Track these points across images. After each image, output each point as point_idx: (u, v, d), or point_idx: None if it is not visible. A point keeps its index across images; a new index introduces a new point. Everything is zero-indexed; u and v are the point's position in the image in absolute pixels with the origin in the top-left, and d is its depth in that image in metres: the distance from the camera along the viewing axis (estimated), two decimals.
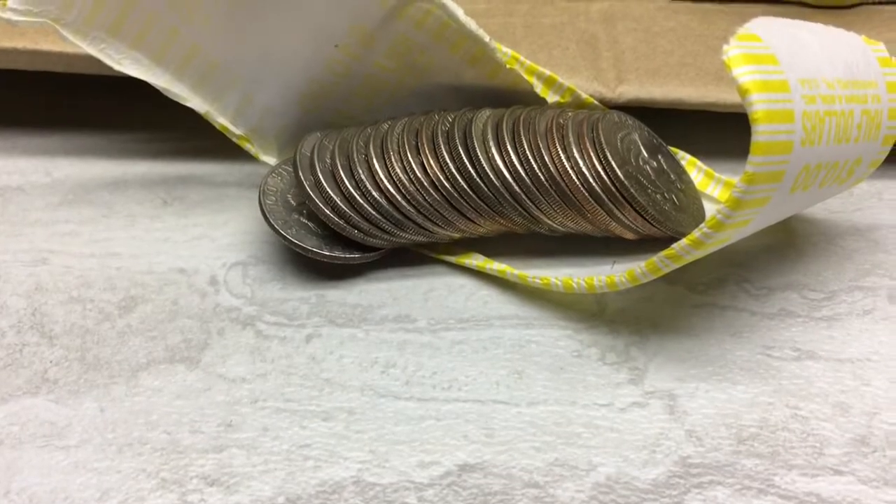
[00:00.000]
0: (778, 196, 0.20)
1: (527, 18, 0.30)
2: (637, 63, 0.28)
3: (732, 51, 0.18)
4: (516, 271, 0.24)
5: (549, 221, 0.24)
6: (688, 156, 0.27)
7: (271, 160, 0.27)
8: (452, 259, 0.25)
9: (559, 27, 0.30)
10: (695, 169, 0.27)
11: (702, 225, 0.20)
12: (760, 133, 0.18)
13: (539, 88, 0.26)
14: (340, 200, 0.24)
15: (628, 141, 0.25)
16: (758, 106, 0.18)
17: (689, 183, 0.26)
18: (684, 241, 0.20)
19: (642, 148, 0.25)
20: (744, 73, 0.18)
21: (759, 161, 0.19)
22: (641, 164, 0.24)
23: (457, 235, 0.24)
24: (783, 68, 0.19)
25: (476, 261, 0.25)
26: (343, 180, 0.24)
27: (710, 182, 0.27)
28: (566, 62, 0.28)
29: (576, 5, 0.31)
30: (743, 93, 0.18)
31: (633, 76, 0.27)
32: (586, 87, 0.27)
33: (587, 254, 0.25)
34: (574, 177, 0.23)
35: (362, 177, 0.24)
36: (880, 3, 0.31)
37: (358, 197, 0.23)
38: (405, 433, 0.21)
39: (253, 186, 0.27)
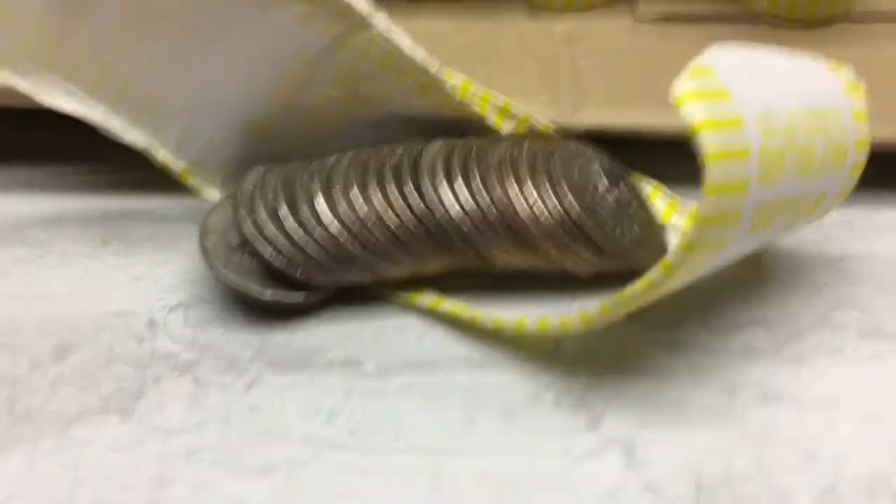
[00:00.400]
0: (735, 237, 0.19)
1: (486, 40, 0.29)
2: (598, 88, 0.27)
3: (682, 87, 0.17)
4: (468, 311, 0.23)
5: (503, 258, 0.23)
6: (651, 182, 0.26)
7: (214, 195, 0.26)
8: (404, 297, 0.24)
9: (519, 50, 0.29)
10: (659, 196, 0.26)
11: (655, 267, 0.19)
12: (712, 174, 0.17)
13: (492, 118, 0.25)
14: (282, 240, 0.22)
15: (587, 170, 0.24)
16: (710, 145, 0.17)
17: (652, 213, 0.25)
18: (637, 286, 0.19)
19: (602, 177, 0.24)
20: (694, 112, 0.17)
21: (713, 200, 0.18)
22: (600, 195, 0.23)
23: (407, 274, 0.23)
24: (737, 103, 0.18)
25: (427, 299, 0.23)
26: (287, 217, 0.23)
27: (673, 212, 0.26)
28: (524, 88, 0.27)
29: (539, 26, 0.30)
30: (693, 132, 0.17)
31: (593, 102, 0.26)
32: (543, 115, 0.26)
33: (544, 290, 0.24)
34: (528, 211, 0.22)
35: (306, 214, 0.23)
36: (856, 21, 0.30)
37: (301, 236, 0.22)
38: (349, 486, 0.20)
39: (197, 221, 0.26)
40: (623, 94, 0.26)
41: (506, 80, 0.27)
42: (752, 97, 0.19)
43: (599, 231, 0.22)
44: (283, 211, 0.23)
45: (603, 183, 0.24)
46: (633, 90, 0.27)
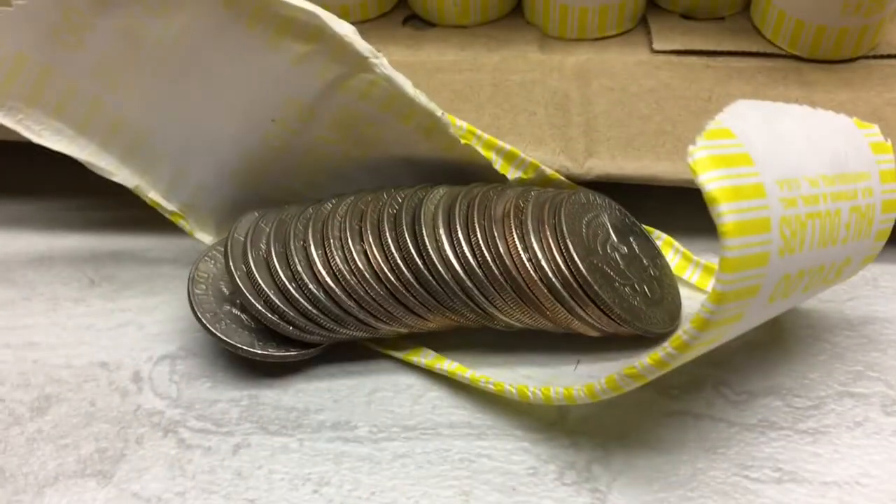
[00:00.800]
0: (753, 309, 0.18)
1: (495, 75, 0.28)
2: (610, 131, 0.25)
3: (699, 153, 0.16)
4: (468, 373, 0.22)
5: (505, 318, 0.22)
6: (664, 235, 0.25)
7: (207, 238, 0.25)
8: (399, 355, 0.23)
9: (529, 86, 0.28)
10: (671, 250, 0.25)
11: (665, 344, 0.17)
12: (731, 248, 0.16)
13: (499, 164, 0.24)
14: (274, 293, 0.21)
15: (595, 224, 0.22)
16: (727, 217, 0.16)
17: (665, 268, 0.24)
18: (646, 360, 0.18)
19: (611, 231, 0.23)
20: (711, 179, 0.16)
21: (730, 279, 0.16)
22: (610, 251, 0.22)
23: (404, 331, 0.22)
24: (758, 169, 0.17)
25: (425, 358, 0.22)
26: (277, 271, 0.22)
27: (687, 265, 0.24)
28: (532, 131, 0.25)
29: (550, 58, 0.29)
30: (710, 202, 0.16)
31: (604, 148, 0.25)
32: (552, 162, 0.24)
33: (548, 351, 0.23)
34: (532, 270, 0.21)
35: (298, 267, 0.22)
36: (880, 57, 0.29)
37: (293, 290, 0.21)
38: None
39: (190, 264, 0.25)
40: (636, 140, 0.25)
41: (512, 124, 0.26)
42: (773, 161, 0.17)
43: (608, 290, 0.21)
44: (275, 263, 0.22)
45: (612, 239, 0.23)
46: (646, 135, 0.25)
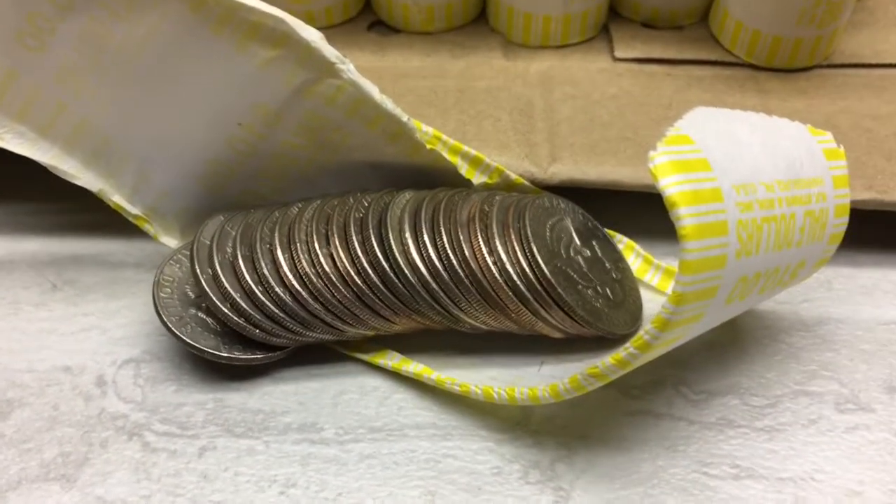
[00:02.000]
0: (711, 310, 0.18)
1: (460, 81, 0.28)
2: (573, 137, 0.26)
3: (659, 158, 0.16)
4: (434, 374, 0.22)
5: (470, 320, 0.22)
6: (625, 239, 0.25)
7: (172, 242, 0.25)
8: (366, 357, 0.23)
9: (494, 92, 0.28)
10: (633, 254, 0.25)
11: (627, 344, 0.18)
12: (690, 251, 0.16)
13: (464, 169, 0.24)
14: (240, 297, 0.21)
15: (559, 228, 0.23)
16: (686, 220, 0.16)
17: (627, 271, 0.24)
18: (609, 360, 0.18)
19: (574, 235, 0.23)
20: (671, 184, 0.16)
21: (689, 280, 0.17)
22: (573, 254, 0.22)
23: (370, 333, 0.22)
24: (716, 174, 0.17)
25: (391, 360, 0.22)
26: (244, 274, 0.22)
27: (648, 268, 0.25)
28: (497, 137, 0.26)
29: (514, 65, 0.29)
30: (670, 206, 0.16)
31: (568, 153, 0.25)
32: (517, 167, 0.25)
33: (513, 352, 0.23)
34: (497, 273, 0.21)
35: (265, 270, 0.22)
36: (834, 66, 0.29)
37: (259, 293, 0.21)
38: None
39: (154, 267, 0.25)
40: (598, 146, 0.25)
41: (478, 130, 0.26)
42: (730, 167, 0.18)
43: (571, 293, 0.21)
44: (241, 266, 0.22)
45: (575, 242, 0.23)
46: (608, 141, 0.26)
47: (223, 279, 0.22)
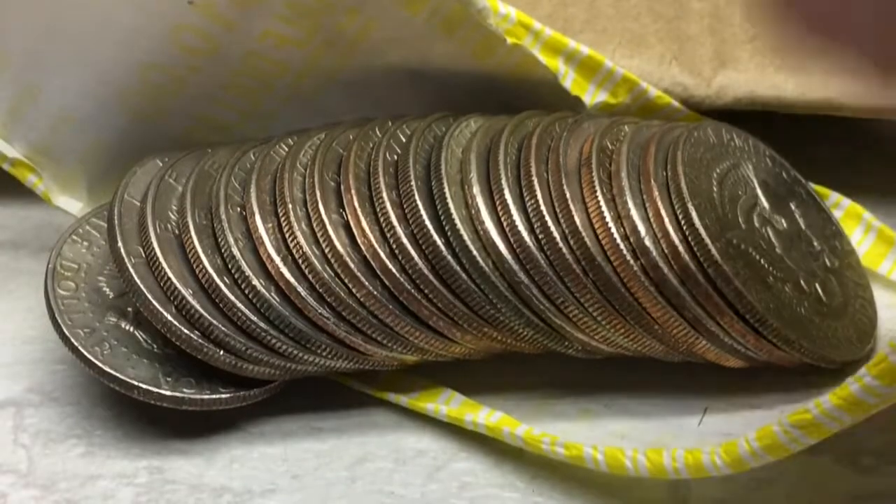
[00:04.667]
0: None
1: None
2: (754, 26, 0.21)
3: None
4: (520, 428, 0.16)
5: (583, 336, 0.17)
6: (846, 201, 0.20)
7: (75, 206, 0.20)
8: (403, 400, 0.17)
9: None
10: (859, 226, 0.20)
11: (862, 372, 0.13)
12: None
13: (569, 80, 0.19)
14: (193, 295, 0.16)
15: (734, 181, 0.18)
16: None
17: (849, 255, 0.19)
18: (829, 400, 0.13)
19: (760, 193, 0.18)
20: None
21: None
22: (758, 225, 0.18)
23: (412, 359, 0.17)
24: None
25: (447, 405, 0.17)
26: (199, 256, 0.16)
27: (886, 251, 0.19)
28: (625, 24, 0.21)
29: None
30: None
31: (746, 53, 0.20)
32: (659, 76, 0.20)
33: (655, 391, 0.17)
34: (628, 256, 0.16)
35: (234, 250, 0.16)
36: None
37: (224, 288, 0.16)
38: None
39: (45, 249, 0.19)
40: (797, 45, 0.20)
41: (592, 7, 0.21)
42: None
43: (756, 289, 0.16)
44: (196, 243, 0.17)
45: (761, 204, 0.18)
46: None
47: (164, 265, 0.16)
